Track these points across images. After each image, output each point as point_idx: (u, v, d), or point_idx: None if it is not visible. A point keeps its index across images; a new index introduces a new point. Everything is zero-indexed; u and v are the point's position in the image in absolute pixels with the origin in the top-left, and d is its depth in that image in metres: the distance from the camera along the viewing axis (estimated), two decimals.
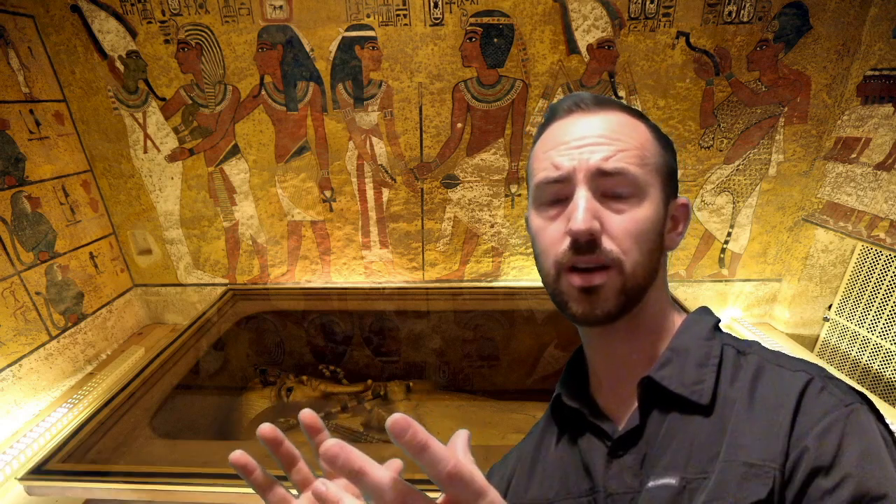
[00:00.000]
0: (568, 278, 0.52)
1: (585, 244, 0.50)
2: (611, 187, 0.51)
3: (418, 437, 0.30)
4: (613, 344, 0.57)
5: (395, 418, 0.30)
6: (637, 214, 0.51)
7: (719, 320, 0.59)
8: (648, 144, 0.54)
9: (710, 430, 0.49)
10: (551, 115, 0.58)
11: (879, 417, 0.46)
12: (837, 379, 0.48)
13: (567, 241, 0.51)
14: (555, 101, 2.26)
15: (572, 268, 0.52)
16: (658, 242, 0.54)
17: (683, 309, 0.62)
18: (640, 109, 0.58)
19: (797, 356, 0.52)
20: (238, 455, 0.40)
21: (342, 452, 0.31)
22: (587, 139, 0.52)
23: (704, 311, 0.60)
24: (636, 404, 0.54)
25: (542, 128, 0.59)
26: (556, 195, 0.54)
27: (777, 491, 0.43)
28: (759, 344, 0.56)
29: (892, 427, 0.45)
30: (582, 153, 0.52)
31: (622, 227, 0.51)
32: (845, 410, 0.44)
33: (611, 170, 0.51)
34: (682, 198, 0.58)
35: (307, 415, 0.42)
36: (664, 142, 0.57)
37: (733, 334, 0.59)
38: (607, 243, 0.50)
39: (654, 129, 0.56)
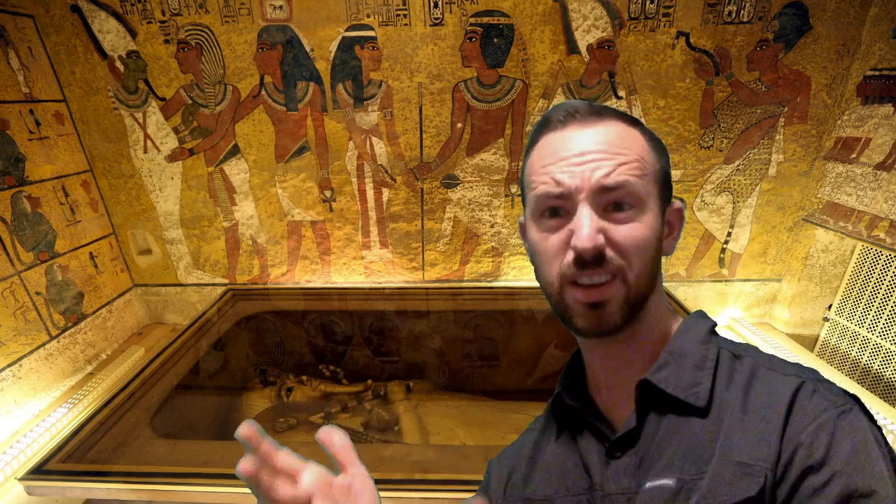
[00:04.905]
0: (573, 293, 0.53)
1: (592, 259, 0.50)
2: (612, 200, 0.52)
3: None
4: (612, 349, 0.57)
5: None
6: (639, 226, 0.52)
7: (715, 324, 0.59)
8: (646, 154, 0.54)
9: (706, 431, 0.50)
10: (544, 125, 0.57)
11: (871, 419, 0.47)
12: (829, 382, 0.50)
13: (570, 255, 0.51)
14: (555, 101, 2.27)
15: (575, 282, 0.52)
16: (658, 250, 0.54)
17: (684, 309, 0.62)
18: (632, 115, 0.58)
19: (790, 360, 0.54)
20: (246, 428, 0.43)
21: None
22: (587, 155, 0.52)
23: (700, 314, 0.61)
24: (634, 406, 0.54)
25: (535, 136, 0.58)
26: (556, 208, 0.54)
27: (768, 489, 0.44)
28: (755, 348, 0.56)
29: (891, 426, 0.46)
30: (584, 171, 0.51)
31: (625, 240, 0.51)
32: (836, 411, 0.45)
33: (613, 185, 0.51)
34: (675, 202, 0.58)
35: (245, 429, 0.43)
36: (659, 148, 0.57)
37: (728, 338, 0.59)
38: (610, 254, 0.51)
39: (649, 136, 0.57)
